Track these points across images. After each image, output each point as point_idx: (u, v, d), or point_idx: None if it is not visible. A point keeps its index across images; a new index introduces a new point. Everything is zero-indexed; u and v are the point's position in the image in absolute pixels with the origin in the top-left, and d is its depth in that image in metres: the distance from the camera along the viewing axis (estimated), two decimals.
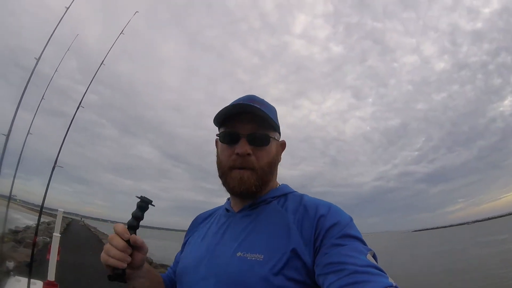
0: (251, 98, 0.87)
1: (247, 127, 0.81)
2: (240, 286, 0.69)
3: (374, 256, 0.66)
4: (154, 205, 0.79)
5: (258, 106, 0.80)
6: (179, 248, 1.02)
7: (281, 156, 0.92)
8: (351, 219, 0.75)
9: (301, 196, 0.85)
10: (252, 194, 0.82)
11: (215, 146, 0.91)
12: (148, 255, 0.86)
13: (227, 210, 0.90)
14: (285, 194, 0.87)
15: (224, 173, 0.83)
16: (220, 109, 0.82)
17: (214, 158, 0.89)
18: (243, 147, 0.79)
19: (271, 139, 0.83)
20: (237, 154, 0.80)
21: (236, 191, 0.81)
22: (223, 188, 0.85)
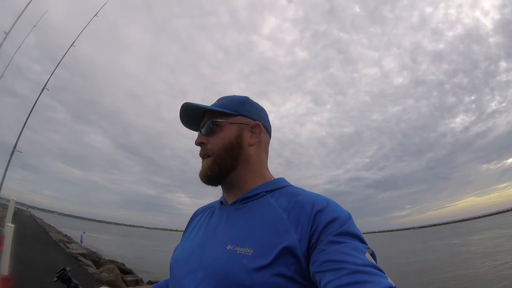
0: (218, 99, 0.93)
1: (203, 122, 0.89)
2: (227, 279, 0.67)
3: (372, 255, 0.64)
4: (69, 269, 0.88)
5: (197, 104, 0.85)
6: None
7: (259, 139, 0.88)
8: (350, 216, 0.72)
9: (297, 191, 0.81)
10: (210, 179, 0.85)
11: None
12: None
13: (221, 203, 0.90)
14: (280, 188, 0.84)
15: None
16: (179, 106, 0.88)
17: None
18: (197, 138, 0.88)
19: (218, 123, 0.86)
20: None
21: (200, 179, 0.86)
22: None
